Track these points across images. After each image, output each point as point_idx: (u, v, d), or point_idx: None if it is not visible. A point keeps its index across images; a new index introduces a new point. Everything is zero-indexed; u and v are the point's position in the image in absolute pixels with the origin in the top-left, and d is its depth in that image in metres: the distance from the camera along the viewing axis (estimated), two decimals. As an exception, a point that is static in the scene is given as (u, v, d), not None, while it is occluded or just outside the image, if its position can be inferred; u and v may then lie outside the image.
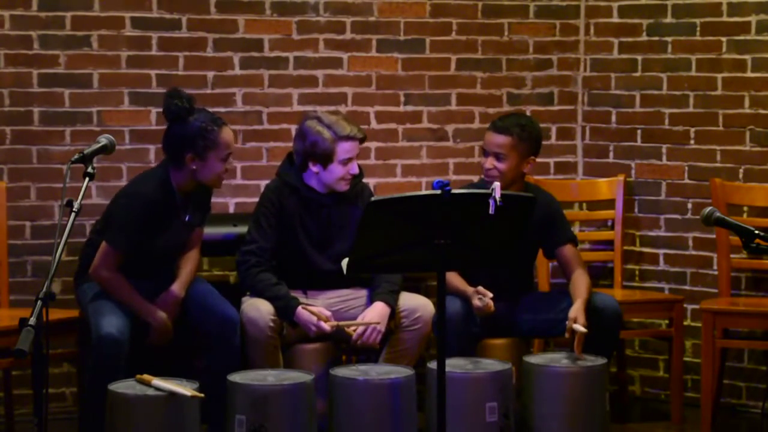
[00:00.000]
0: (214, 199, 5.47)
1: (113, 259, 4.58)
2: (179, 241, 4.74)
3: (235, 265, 4.89)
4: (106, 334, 4.37)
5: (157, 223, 4.59)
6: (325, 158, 4.77)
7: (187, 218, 4.69)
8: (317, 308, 4.69)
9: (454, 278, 4.82)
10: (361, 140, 4.83)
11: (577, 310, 4.65)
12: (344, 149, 4.76)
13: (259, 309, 4.64)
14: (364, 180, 4.99)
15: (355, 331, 4.70)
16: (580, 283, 4.84)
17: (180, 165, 4.58)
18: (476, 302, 4.72)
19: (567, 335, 4.63)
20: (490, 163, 4.88)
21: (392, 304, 4.76)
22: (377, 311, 4.73)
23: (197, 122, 4.54)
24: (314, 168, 4.79)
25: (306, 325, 4.66)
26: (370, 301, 4.80)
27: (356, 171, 4.81)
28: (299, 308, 4.66)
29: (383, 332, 4.72)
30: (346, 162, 4.78)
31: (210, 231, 5.14)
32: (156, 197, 4.56)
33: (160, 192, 4.58)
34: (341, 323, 4.68)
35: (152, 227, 4.57)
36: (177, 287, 4.67)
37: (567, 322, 4.62)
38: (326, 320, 4.65)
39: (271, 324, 4.62)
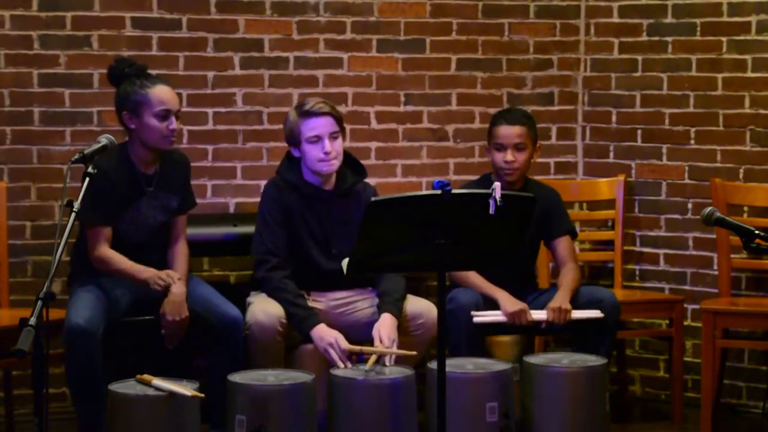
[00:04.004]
0: (214, 200, 5.46)
1: (96, 238, 4.58)
2: (152, 223, 4.68)
3: (235, 265, 4.87)
4: (73, 324, 4.36)
5: (119, 193, 4.58)
6: (295, 139, 4.71)
7: (150, 191, 4.65)
8: (341, 342, 4.52)
9: (474, 277, 4.89)
10: (334, 117, 4.70)
11: (559, 300, 4.78)
12: (308, 126, 4.67)
13: (268, 313, 4.56)
14: (366, 180, 4.97)
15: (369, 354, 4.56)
16: (567, 275, 4.95)
17: (126, 129, 4.63)
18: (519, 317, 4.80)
19: (543, 324, 4.77)
20: (511, 155, 4.93)
21: (397, 315, 4.66)
22: (387, 324, 4.60)
23: (134, 83, 4.60)
24: (295, 153, 4.74)
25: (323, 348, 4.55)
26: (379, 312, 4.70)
27: (328, 149, 4.67)
28: (318, 326, 4.56)
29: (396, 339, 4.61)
30: (313, 140, 4.67)
31: (210, 231, 5.14)
32: (111, 166, 4.55)
33: (117, 163, 4.59)
34: (355, 348, 4.53)
35: (116, 198, 4.57)
36: (176, 287, 4.61)
37: (546, 310, 4.77)
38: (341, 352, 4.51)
39: (280, 329, 4.56)
